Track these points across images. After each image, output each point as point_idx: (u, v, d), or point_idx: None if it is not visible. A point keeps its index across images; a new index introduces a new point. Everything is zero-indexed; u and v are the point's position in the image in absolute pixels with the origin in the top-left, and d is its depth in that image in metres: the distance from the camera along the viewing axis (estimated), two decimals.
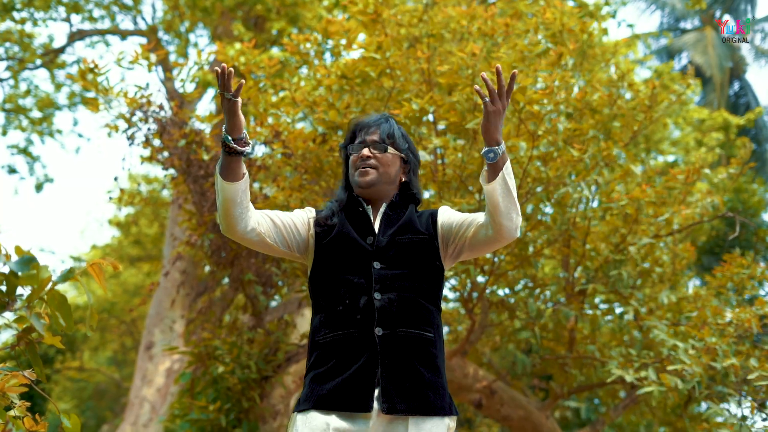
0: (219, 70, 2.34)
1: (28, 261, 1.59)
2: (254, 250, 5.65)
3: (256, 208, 2.56)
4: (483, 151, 2.44)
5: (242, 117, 2.39)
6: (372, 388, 2.36)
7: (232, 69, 2.35)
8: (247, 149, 2.39)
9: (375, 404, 2.36)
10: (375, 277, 2.48)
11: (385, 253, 2.53)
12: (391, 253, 2.53)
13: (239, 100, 2.37)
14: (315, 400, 2.38)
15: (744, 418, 4.84)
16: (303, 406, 2.40)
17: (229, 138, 2.36)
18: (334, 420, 2.33)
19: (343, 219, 2.62)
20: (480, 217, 2.58)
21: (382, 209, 2.66)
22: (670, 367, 4.84)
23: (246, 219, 2.45)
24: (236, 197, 2.40)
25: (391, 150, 2.66)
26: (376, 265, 2.50)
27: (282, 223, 2.58)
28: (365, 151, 2.64)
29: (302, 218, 2.64)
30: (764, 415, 4.89)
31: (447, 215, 2.68)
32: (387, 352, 2.40)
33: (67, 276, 1.59)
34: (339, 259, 2.53)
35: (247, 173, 2.44)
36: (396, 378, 2.38)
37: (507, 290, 6.62)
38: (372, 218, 2.63)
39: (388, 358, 2.40)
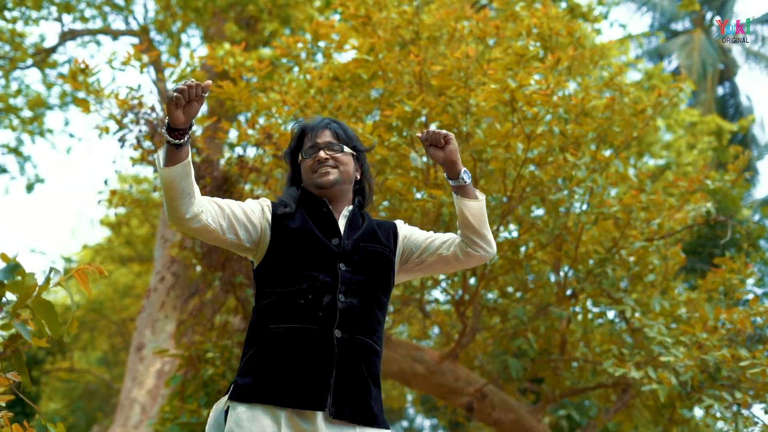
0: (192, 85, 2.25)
1: (13, 268, 1.57)
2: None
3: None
4: (461, 172, 2.58)
5: (189, 114, 2.29)
6: (327, 388, 2.31)
7: (202, 86, 2.27)
8: (178, 141, 2.29)
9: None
10: (341, 278, 2.44)
11: (350, 257, 2.50)
12: (356, 257, 2.51)
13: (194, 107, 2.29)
14: (265, 392, 2.29)
15: (736, 414, 4.86)
16: (248, 397, 2.30)
17: (167, 129, 2.29)
18: (284, 419, 2.26)
19: (305, 216, 2.55)
20: (450, 237, 2.67)
21: (344, 212, 2.64)
22: (662, 358, 4.85)
23: (187, 205, 2.33)
24: (173, 182, 2.29)
25: (345, 149, 2.65)
26: (342, 266, 2.47)
27: (231, 211, 2.47)
28: (321, 154, 2.60)
29: (254, 207, 2.54)
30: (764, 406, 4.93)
31: (408, 231, 2.72)
32: (342, 356, 2.37)
33: (48, 283, 1.57)
34: (302, 254, 2.46)
35: (189, 162, 2.32)
36: (346, 384, 2.35)
37: (497, 291, 6.62)
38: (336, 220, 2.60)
39: (343, 362, 2.36)
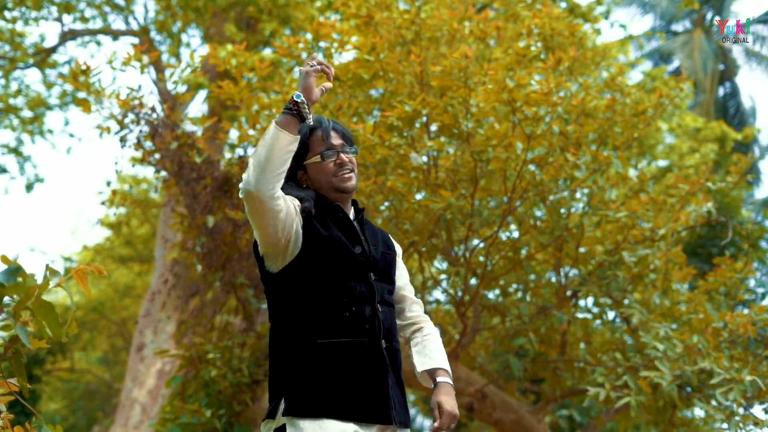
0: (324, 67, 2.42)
1: (14, 271, 1.56)
2: (245, 254, 5.63)
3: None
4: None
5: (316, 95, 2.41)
6: (388, 399, 2.37)
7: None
8: (308, 119, 2.37)
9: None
10: (376, 288, 2.48)
11: (376, 266, 2.53)
12: (381, 266, 2.55)
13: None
14: (332, 406, 2.29)
15: (732, 413, 4.85)
16: (313, 411, 2.27)
17: (301, 97, 2.36)
18: (350, 430, 2.28)
19: (329, 223, 2.50)
20: (411, 306, 2.70)
21: (351, 216, 2.60)
22: (644, 373, 4.85)
23: (277, 181, 2.27)
24: (284, 151, 2.27)
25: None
26: (372, 276, 2.49)
27: (285, 204, 2.37)
28: (344, 157, 2.55)
29: (292, 207, 2.43)
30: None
31: (399, 254, 2.75)
32: (391, 365, 2.44)
33: (47, 284, 1.56)
34: (336, 265, 2.43)
35: (297, 141, 2.35)
36: (396, 392, 2.44)
37: (498, 291, 6.61)
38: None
39: (391, 372, 2.44)
